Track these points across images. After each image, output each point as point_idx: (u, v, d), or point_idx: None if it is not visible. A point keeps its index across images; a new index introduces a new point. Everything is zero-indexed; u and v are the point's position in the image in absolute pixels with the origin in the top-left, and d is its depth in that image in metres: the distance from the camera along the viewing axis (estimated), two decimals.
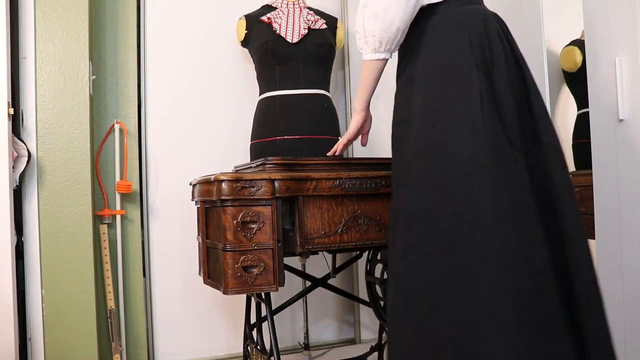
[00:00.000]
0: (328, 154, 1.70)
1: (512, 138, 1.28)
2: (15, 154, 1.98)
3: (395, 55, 1.49)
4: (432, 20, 1.38)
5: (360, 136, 1.67)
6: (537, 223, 1.24)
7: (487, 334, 1.20)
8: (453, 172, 1.27)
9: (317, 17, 2.30)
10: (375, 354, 2.13)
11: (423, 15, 1.39)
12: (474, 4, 1.40)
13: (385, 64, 1.46)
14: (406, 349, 1.31)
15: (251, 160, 2.19)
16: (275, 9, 2.28)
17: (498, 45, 1.33)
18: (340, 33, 2.41)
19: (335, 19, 2.43)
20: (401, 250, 1.34)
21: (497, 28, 1.37)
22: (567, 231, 1.30)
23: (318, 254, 2.20)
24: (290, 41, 2.18)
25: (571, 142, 2.53)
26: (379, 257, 2.08)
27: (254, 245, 1.49)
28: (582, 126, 2.29)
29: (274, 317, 1.66)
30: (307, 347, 2.45)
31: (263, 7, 2.33)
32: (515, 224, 1.22)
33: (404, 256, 1.33)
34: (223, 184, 1.48)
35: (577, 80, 2.36)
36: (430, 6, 1.39)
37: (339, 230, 1.60)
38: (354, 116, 1.58)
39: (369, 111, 1.59)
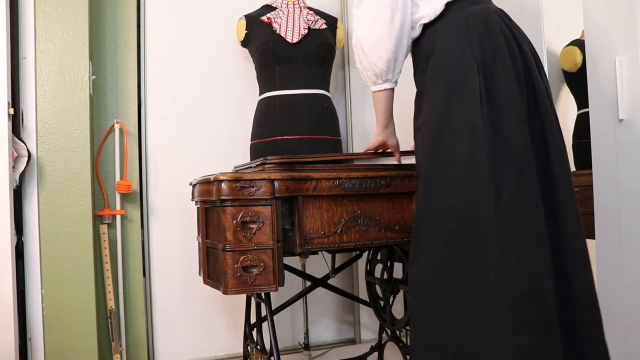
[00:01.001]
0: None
1: (515, 137, 1.26)
2: (15, 154, 1.98)
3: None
4: (438, 26, 1.40)
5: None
6: (539, 225, 1.23)
7: (485, 336, 1.20)
8: (455, 176, 1.28)
9: (317, 17, 2.30)
10: (375, 354, 2.13)
11: (431, 23, 1.41)
12: (478, 3, 1.39)
13: (393, 92, 1.51)
14: (418, 351, 1.33)
15: (251, 160, 2.20)
16: (275, 9, 2.28)
17: (501, 41, 1.32)
18: (340, 33, 2.41)
19: (335, 19, 2.43)
20: (412, 253, 1.37)
21: (500, 24, 1.35)
22: (566, 236, 1.30)
23: (318, 253, 2.21)
24: (290, 41, 2.18)
25: (571, 142, 2.53)
26: (379, 257, 2.08)
27: (254, 245, 1.49)
28: (582, 126, 2.29)
29: (274, 317, 1.66)
30: (307, 347, 2.45)
31: (263, 7, 2.33)
32: (515, 227, 1.21)
33: (414, 260, 1.36)
34: (223, 184, 1.48)
35: (577, 80, 2.36)
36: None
37: (339, 231, 1.60)
38: (374, 137, 1.64)
39: (392, 134, 1.62)
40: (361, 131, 2.72)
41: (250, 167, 1.69)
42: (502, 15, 1.39)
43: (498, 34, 1.33)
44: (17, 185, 2.01)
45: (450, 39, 1.35)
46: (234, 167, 1.91)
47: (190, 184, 1.85)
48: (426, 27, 1.42)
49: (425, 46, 1.42)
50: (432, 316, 1.30)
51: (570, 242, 1.30)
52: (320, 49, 2.24)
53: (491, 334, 1.19)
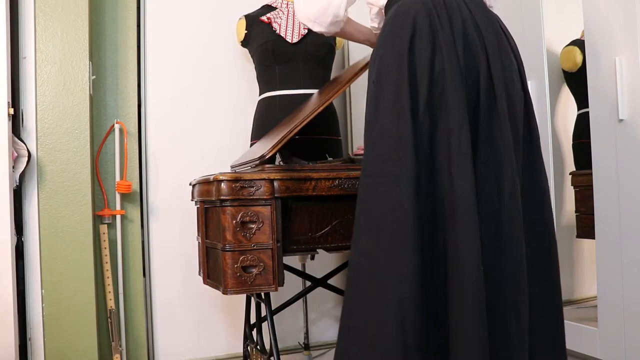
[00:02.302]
0: None
1: (395, 139, 1.19)
2: (15, 154, 1.98)
3: None
4: (389, 13, 1.38)
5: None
6: (402, 233, 1.14)
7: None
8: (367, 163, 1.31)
9: None
10: None
11: (389, 6, 1.40)
12: None
13: (344, 26, 1.54)
14: None
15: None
16: (275, 9, 2.28)
17: (405, 37, 1.23)
18: None
19: None
20: None
21: (416, 18, 1.24)
22: (450, 246, 1.15)
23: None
24: (290, 41, 2.18)
25: (571, 142, 2.54)
26: None
27: (254, 245, 1.49)
28: (582, 126, 2.29)
29: (274, 317, 1.66)
30: (307, 347, 2.45)
31: (263, 7, 2.33)
32: (376, 229, 1.18)
33: None
34: (222, 184, 1.48)
35: (577, 80, 2.36)
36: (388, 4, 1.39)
37: (325, 232, 1.63)
38: None
39: None
40: (361, 131, 2.71)
41: (250, 165, 1.69)
42: (433, 6, 1.26)
43: (406, 27, 1.24)
44: (17, 185, 2.01)
45: (390, 25, 1.33)
46: (231, 166, 1.92)
47: (190, 184, 1.85)
48: (387, 8, 1.42)
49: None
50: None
51: (455, 256, 1.14)
52: (320, 49, 2.24)
53: (339, 337, 1.27)
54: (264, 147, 1.66)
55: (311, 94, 2.21)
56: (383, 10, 1.43)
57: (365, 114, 1.31)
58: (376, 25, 1.52)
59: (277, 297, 2.23)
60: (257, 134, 2.23)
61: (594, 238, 1.95)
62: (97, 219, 2.24)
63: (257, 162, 1.60)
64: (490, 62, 1.24)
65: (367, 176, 1.24)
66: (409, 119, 1.18)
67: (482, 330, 1.10)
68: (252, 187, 1.49)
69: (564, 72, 2.47)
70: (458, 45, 1.22)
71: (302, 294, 2.12)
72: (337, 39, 2.39)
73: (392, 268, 1.14)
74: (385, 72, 1.25)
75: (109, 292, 2.20)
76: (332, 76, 2.40)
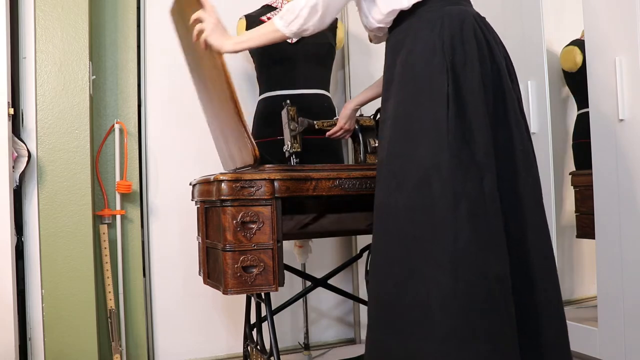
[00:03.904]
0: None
1: (478, 143, 1.25)
2: (15, 154, 1.98)
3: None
4: (413, 22, 1.38)
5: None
6: (497, 233, 1.23)
7: (429, 342, 1.20)
8: (415, 176, 1.27)
9: None
10: None
11: (406, 16, 1.39)
12: (456, 4, 1.37)
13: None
14: (371, 352, 1.34)
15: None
16: (275, 9, 2.28)
17: (472, 46, 1.31)
18: (340, 33, 2.41)
19: (336, 19, 2.43)
20: (372, 249, 1.39)
21: (475, 28, 1.34)
22: (532, 243, 1.30)
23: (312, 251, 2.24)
24: (290, 41, 2.18)
25: (571, 142, 2.54)
26: None
27: (254, 245, 1.49)
28: (582, 126, 2.29)
29: (274, 317, 1.66)
30: (307, 347, 2.45)
31: (263, 7, 2.33)
32: (475, 232, 1.21)
33: (372, 256, 1.38)
34: (223, 184, 1.48)
35: (577, 80, 2.36)
36: (414, 7, 1.38)
37: (310, 221, 1.69)
38: None
39: None
40: None
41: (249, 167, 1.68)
42: (479, 20, 1.37)
43: (471, 37, 1.31)
44: (17, 185, 2.01)
45: (422, 37, 1.34)
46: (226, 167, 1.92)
47: (190, 184, 1.85)
48: (399, 21, 1.41)
49: (396, 40, 1.41)
50: (386, 315, 1.29)
51: (537, 251, 1.30)
52: (320, 49, 2.23)
53: (436, 339, 1.18)
54: (244, 153, 1.64)
55: (311, 94, 2.21)
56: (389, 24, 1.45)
57: (416, 112, 1.31)
58: (381, 35, 1.55)
59: (277, 297, 2.23)
60: (257, 134, 2.24)
61: (594, 238, 1.95)
62: (97, 219, 2.24)
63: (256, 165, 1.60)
64: (501, 72, 1.35)
65: (450, 178, 1.25)
66: (488, 126, 1.27)
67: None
68: (253, 187, 1.49)
69: (564, 72, 2.47)
70: (503, 61, 1.37)
71: (302, 294, 2.12)
72: (337, 38, 2.39)
73: (495, 265, 1.21)
74: (462, 80, 1.29)
75: (109, 292, 2.20)
76: (332, 76, 2.40)
